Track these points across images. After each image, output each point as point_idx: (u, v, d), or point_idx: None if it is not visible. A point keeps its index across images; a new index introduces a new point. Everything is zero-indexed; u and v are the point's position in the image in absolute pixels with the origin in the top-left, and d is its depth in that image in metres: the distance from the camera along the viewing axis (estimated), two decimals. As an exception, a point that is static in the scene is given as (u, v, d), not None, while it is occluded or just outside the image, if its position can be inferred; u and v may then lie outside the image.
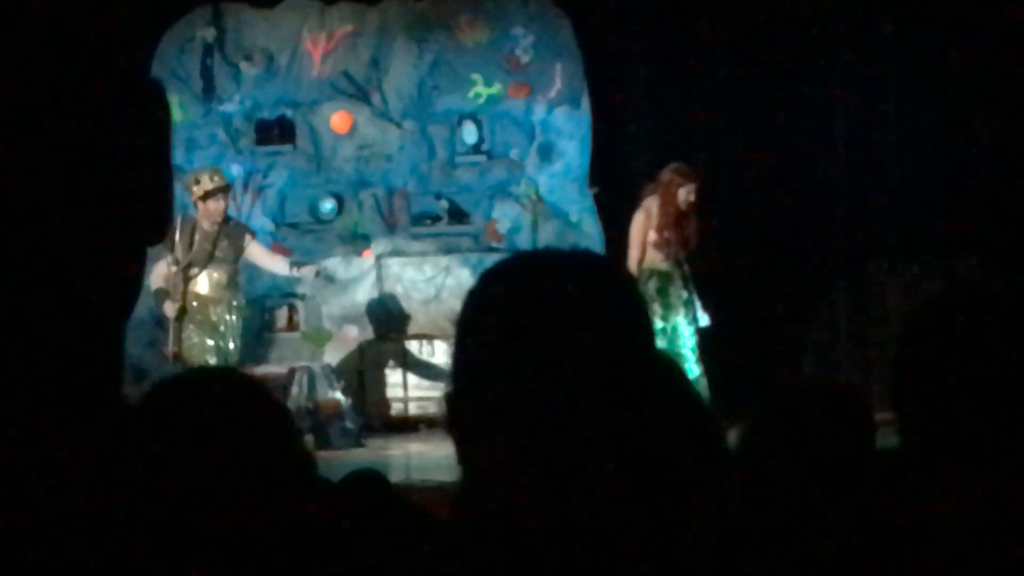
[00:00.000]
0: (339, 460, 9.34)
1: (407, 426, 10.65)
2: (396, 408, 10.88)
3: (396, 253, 11.57)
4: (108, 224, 10.75)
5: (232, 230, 9.71)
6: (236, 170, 11.63)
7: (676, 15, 11.06)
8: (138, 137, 11.12)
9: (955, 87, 10.61)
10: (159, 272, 9.66)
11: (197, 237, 9.53)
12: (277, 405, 2.23)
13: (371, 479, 2.49)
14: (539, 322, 1.73)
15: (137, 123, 11.14)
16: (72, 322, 10.34)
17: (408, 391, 10.86)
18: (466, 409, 1.78)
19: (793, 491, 2.56)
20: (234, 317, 9.65)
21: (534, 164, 11.66)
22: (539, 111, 11.63)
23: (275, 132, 11.65)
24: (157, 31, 11.38)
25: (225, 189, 9.67)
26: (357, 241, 11.65)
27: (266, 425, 2.13)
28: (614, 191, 11.22)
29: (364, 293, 11.47)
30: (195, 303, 9.57)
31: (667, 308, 9.17)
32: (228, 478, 2.04)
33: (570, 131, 11.55)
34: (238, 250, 9.66)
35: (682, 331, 9.19)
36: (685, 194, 9.19)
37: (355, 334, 11.42)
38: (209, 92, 11.62)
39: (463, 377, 1.81)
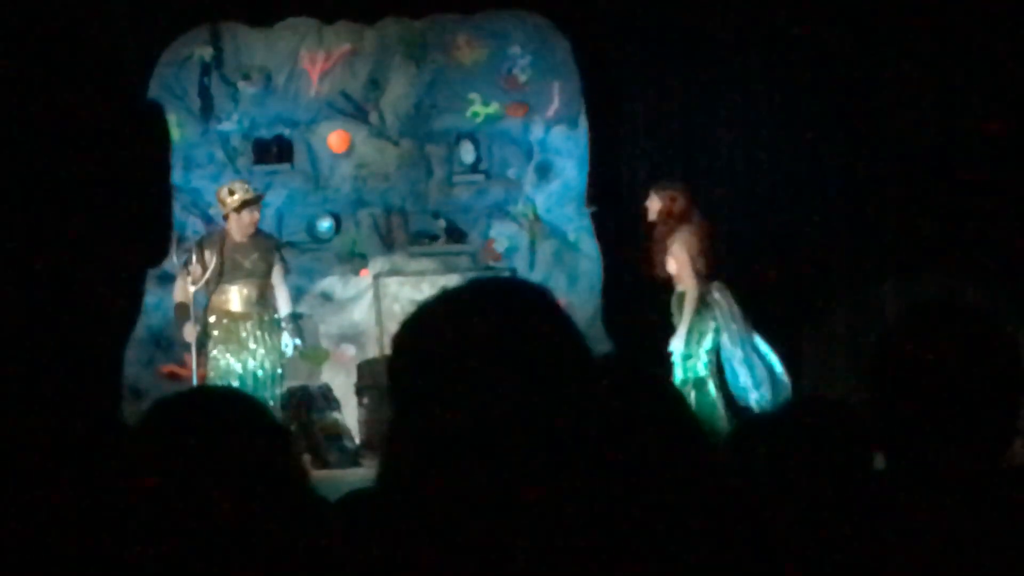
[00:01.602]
0: (337, 480, 9.34)
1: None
2: (394, 427, 10.86)
3: (394, 272, 11.56)
4: (108, 244, 10.78)
5: (263, 242, 9.70)
6: (234, 189, 11.63)
7: (674, 34, 11.08)
8: (138, 158, 11.17)
9: (956, 98, 10.61)
10: (182, 284, 9.63)
11: (228, 250, 9.51)
12: (275, 424, 2.23)
13: (368, 499, 2.48)
14: (465, 357, 1.75)
15: (137, 144, 11.19)
16: (71, 341, 10.36)
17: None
18: (400, 443, 1.80)
19: (788, 508, 2.55)
20: (265, 334, 9.58)
21: (532, 183, 11.66)
22: (537, 130, 11.64)
23: (273, 151, 11.64)
24: (155, 50, 11.39)
25: (259, 199, 9.71)
26: (355, 260, 11.65)
27: (264, 444, 2.13)
28: (612, 210, 11.25)
29: (361, 312, 11.47)
30: (224, 320, 9.53)
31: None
32: (225, 497, 2.03)
33: (568, 150, 11.55)
34: (269, 264, 9.63)
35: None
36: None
37: (352, 353, 11.41)
38: (207, 111, 11.62)
39: (399, 415, 1.84)
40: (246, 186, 9.74)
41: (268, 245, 9.71)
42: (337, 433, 10.01)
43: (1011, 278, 9.96)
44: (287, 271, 9.89)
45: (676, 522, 1.69)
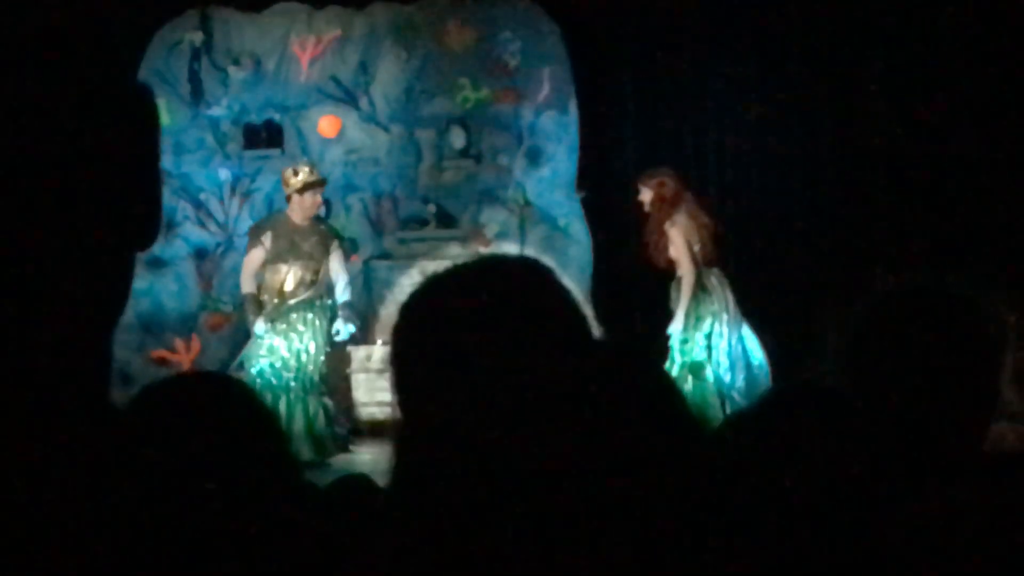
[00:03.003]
0: (327, 465, 9.35)
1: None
2: (384, 412, 10.87)
3: (384, 257, 11.56)
4: (97, 229, 10.78)
5: (323, 229, 9.75)
6: (224, 174, 11.62)
7: (663, 20, 11.08)
8: (128, 143, 11.16)
9: (947, 87, 10.60)
10: (251, 267, 9.65)
11: (286, 231, 9.55)
12: (265, 410, 2.24)
13: (359, 484, 2.49)
14: (469, 333, 1.76)
15: (127, 129, 11.18)
16: (60, 327, 10.35)
17: (396, 395, 10.82)
18: (410, 419, 1.81)
19: (782, 492, 2.56)
20: (316, 318, 9.62)
21: (522, 168, 11.66)
22: (527, 115, 11.63)
23: (263, 136, 11.64)
24: (145, 35, 11.38)
25: (322, 183, 9.74)
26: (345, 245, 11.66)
27: (254, 430, 2.14)
28: (602, 196, 11.25)
29: (352, 297, 11.46)
30: (276, 300, 9.56)
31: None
32: (216, 483, 2.04)
33: (558, 136, 11.55)
34: (326, 248, 9.67)
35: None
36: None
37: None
38: (197, 96, 11.62)
39: (407, 393, 1.84)
40: (312, 167, 9.79)
41: (327, 232, 9.75)
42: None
43: (1005, 268, 9.94)
44: (345, 260, 9.94)
45: (666, 509, 1.70)
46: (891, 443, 2.24)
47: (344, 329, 9.76)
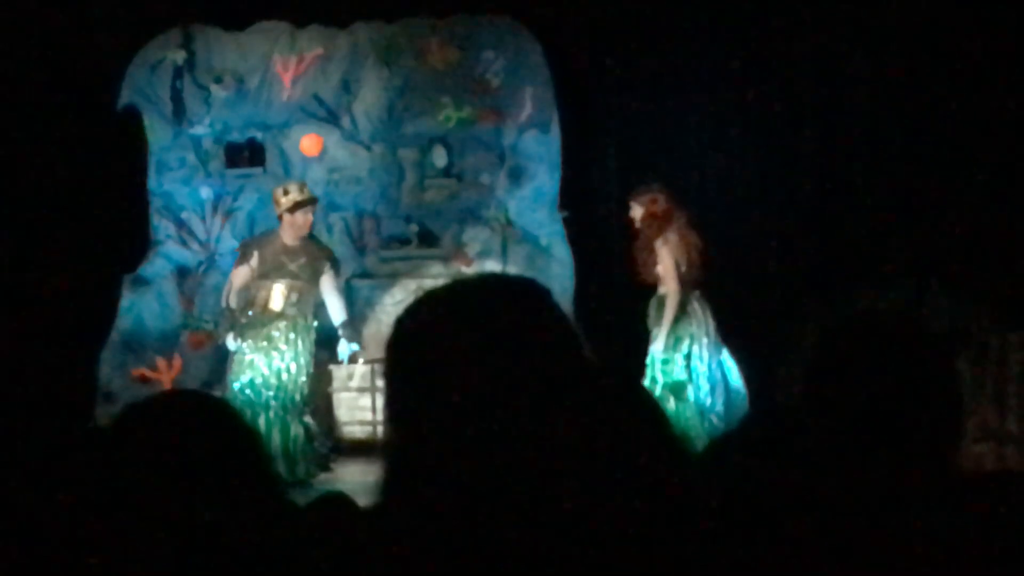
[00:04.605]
0: (308, 484, 9.33)
1: (376, 449, 10.58)
2: (365, 431, 10.86)
3: (366, 276, 11.56)
4: (82, 249, 10.76)
5: (314, 249, 9.68)
6: (206, 193, 11.60)
7: (646, 39, 11.10)
8: (113, 164, 11.15)
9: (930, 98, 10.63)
10: (235, 283, 9.61)
11: (274, 250, 9.48)
12: (247, 428, 2.24)
13: (339, 503, 2.49)
14: (468, 347, 1.76)
15: (112, 150, 11.17)
16: (45, 345, 10.32)
17: (377, 414, 10.84)
18: (402, 440, 1.81)
19: (762, 515, 2.57)
20: (298, 338, 9.54)
21: (504, 188, 11.66)
22: (509, 135, 11.64)
23: (245, 155, 11.62)
24: (127, 54, 11.37)
25: (313, 201, 9.66)
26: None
27: (236, 449, 2.14)
28: (584, 215, 11.25)
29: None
30: (260, 316, 9.50)
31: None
32: (198, 501, 2.04)
33: (540, 155, 11.55)
34: (315, 270, 9.59)
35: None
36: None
37: (324, 357, 11.40)
38: (179, 115, 11.60)
39: (399, 407, 1.84)
40: (302, 186, 9.72)
41: (319, 253, 9.68)
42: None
43: (987, 286, 9.97)
44: (339, 281, 9.89)
45: (652, 529, 1.70)
46: (857, 467, 2.24)
47: (348, 348, 9.75)
